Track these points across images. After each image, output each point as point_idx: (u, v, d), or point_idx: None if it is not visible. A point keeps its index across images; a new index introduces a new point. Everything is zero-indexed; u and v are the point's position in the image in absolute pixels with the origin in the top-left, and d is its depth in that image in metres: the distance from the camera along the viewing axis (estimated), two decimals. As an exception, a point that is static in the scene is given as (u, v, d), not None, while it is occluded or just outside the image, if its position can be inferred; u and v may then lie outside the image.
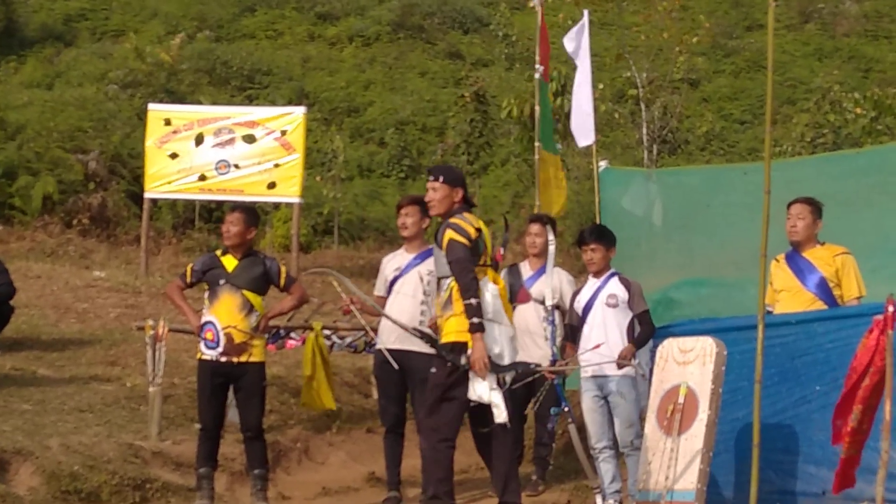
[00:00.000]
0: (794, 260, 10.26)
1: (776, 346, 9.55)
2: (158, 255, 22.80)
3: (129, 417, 12.85)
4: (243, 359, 10.61)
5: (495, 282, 9.62)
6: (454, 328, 9.42)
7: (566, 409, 10.96)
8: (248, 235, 10.82)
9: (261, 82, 42.20)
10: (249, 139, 20.60)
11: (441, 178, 9.76)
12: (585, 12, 14.43)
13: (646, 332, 10.54)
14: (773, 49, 6.80)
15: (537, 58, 15.34)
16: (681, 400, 9.74)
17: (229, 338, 10.51)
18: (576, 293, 10.97)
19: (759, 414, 6.60)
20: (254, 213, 11.24)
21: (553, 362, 10.86)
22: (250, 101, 37.05)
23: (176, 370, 14.34)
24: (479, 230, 9.59)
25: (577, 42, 14.42)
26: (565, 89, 24.07)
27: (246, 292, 10.61)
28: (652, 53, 27.71)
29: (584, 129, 14.27)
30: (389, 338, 11.27)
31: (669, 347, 10.06)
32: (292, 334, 13.75)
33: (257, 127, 20.80)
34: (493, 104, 32.03)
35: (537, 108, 15.23)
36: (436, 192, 9.73)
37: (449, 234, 9.47)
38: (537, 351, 11.67)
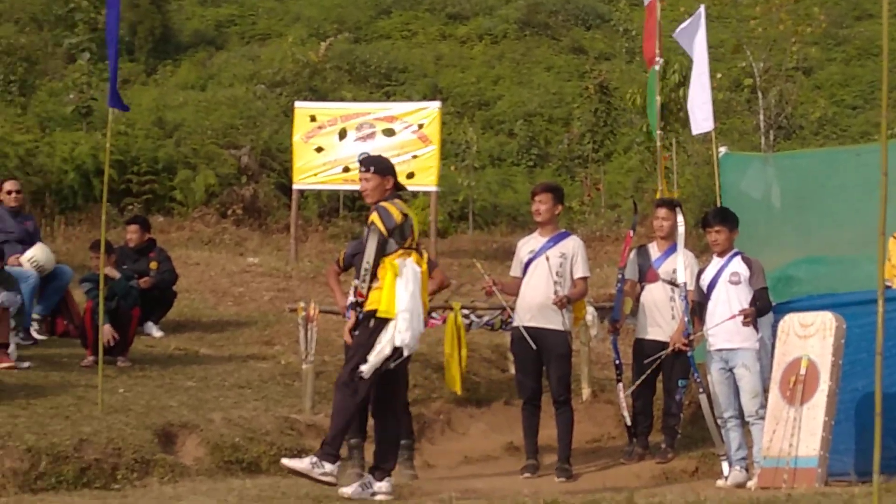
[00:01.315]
0: None
1: (894, 319, 9.40)
2: (306, 242, 22.96)
3: (284, 393, 12.99)
4: None
5: (418, 264, 9.57)
6: (375, 298, 9.39)
7: (697, 380, 10.95)
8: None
9: (397, 79, 42.36)
10: (389, 133, 20.66)
11: (372, 169, 9.74)
12: (702, 6, 14.30)
13: (762, 308, 10.45)
14: (887, 36, 6.68)
15: (657, 50, 15.26)
16: (802, 371, 9.66)
17: None
18: (700, 271, 10.91)
19: (881, 384, 6.49)
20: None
21: (687, 335, 10.88)
22: (388, 97, 37.17)
23: (326, 348, 14.43)
24: (405, 215, 9.62)
25: (691, 35, 14.31)
26: (686, 80, 23.83)
27: None
28: (768, 44, 27.36)
29: (701, 116, 14.16)
30: (525, 316, 11.29)
31: (791, 322, 9.98)
32: (433, 314, 13.80)
33: (396, 121, 20.85)
34: (615, 95, 31.86)
35: (658, 98, 15.15)
36: (368, 181, 9.69)
37: (373, 216, 9.51)
38: (665, 326, 11.65)
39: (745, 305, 10.44)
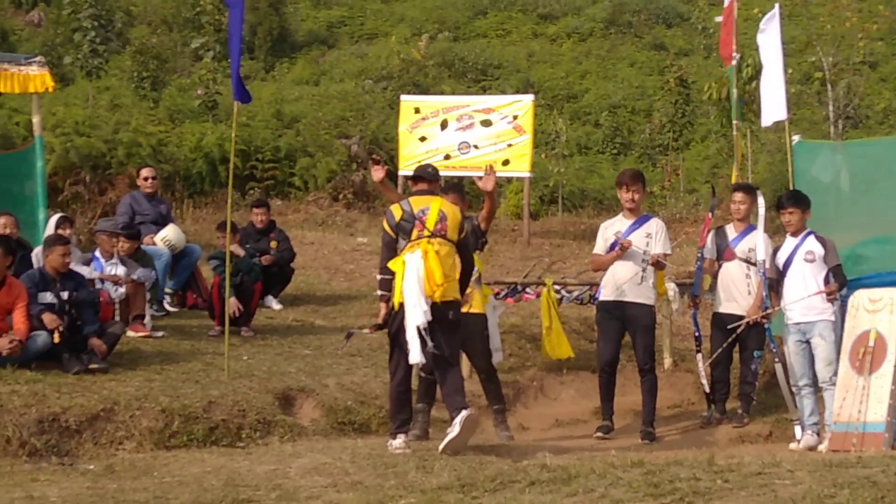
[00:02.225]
0: None
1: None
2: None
3: (392, 361, 13.01)
4: (464, 310, 10.26)
5: (425, 253, 9.67)
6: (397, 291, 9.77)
7: (773, 349, 10.89)
8: None
9: (492, 74, 42.31)
10: (486, 123, 20.65)
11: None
12: (776, 5, 14.13)
13: (840, 283, 10.34)
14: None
15: (734, 46, 15.09)
16: (871, 343, 9.55)
17: None
18: (776, 250, 10.81)
19: None
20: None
21: (764, 309, 10.81)
22: (484, 90, 37.11)
23: (429, 320, 14.41)
24: (405, 210, 9.88)
25: (767, 30, 14.13)
26: (759, 74, 23.55)
27: None
28: (836, 40, 26.98)
29: (774, 107, 13.99)
30: (614, 292, 11.27)
31: (860, 297, 9.87)
32: (527, 289, 13.78)
33: (492, 113, 20.83)
34: (694, 88, 31.59)
35: (734, 90, 14.98)
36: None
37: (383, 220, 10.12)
38: (741, 301, 11.58)
39: (819, 281, 10.34)
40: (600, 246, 11.63)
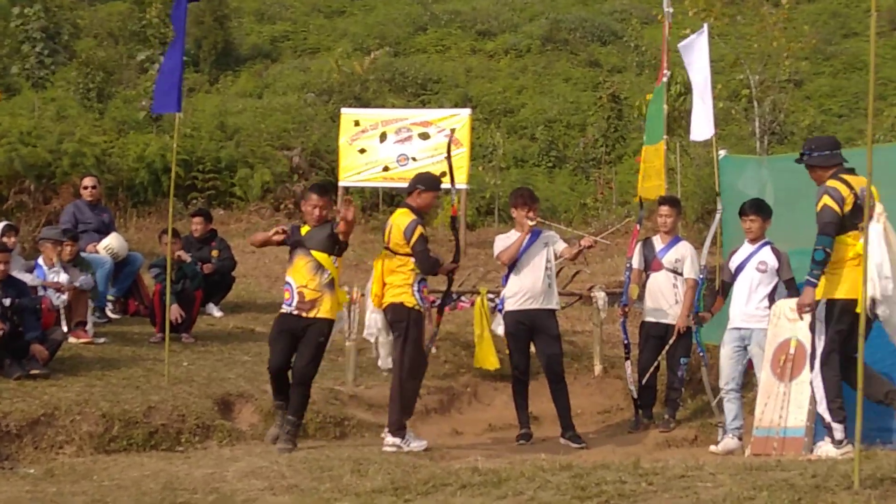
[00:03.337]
0: None
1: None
2: (350, 234, 22.95)
3: (330, 367, 12.98)
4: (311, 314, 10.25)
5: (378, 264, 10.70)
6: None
7: (702, 353, 10.99)
8: None
9: (432, 89, 42.34)
10: (424, 136, 20.67)
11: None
12: (705, 25, 14.22)
13: (792, 296, 10.32)
14: (874, 52, 6.65)
15: (663, 64, 15.18)
16: (792, 351, 9.64)
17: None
18: (732, 253, 10.84)
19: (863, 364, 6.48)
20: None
21: (696, 313, 10.97)
22: (423, 104, 37.12)
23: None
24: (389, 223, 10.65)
25: (695, 50, 14.22)
26: (688, 91, 23.73)
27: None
28: (763, 59, 27.23)
29: (702, 124, 14.08)
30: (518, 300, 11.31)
31: (782, 307, 9.95)
32: (462, 297, 13.81)
33: (430, 126, 20.86)
34: (626, 104, 31.77)
35: (664, 106, 15.07)
36: None
37: None
38: (668, 310, 11.66)
39: (767, 292, 10.38)
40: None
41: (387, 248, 10.52)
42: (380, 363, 11.47)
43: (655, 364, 11.74)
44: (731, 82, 31.41)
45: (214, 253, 15.16)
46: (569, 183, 34.24)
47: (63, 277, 12.57)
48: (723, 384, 10.49)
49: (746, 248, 10.67)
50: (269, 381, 10.44)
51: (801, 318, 9.34)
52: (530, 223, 11.28)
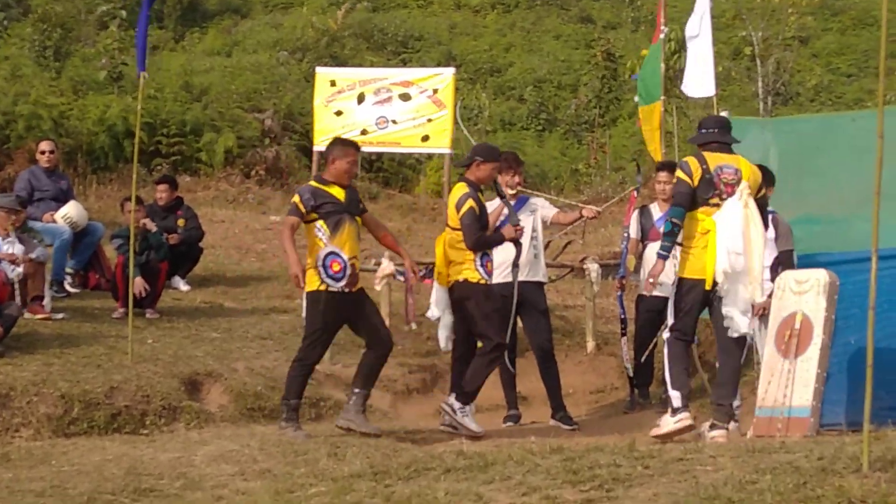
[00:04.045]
0: None
1: (886, 276, 9.33)
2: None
3: (305, 344, 12.99)
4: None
5: None
6: None
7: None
8: None
9: (413, 47, 42.27)
10: (405, 97, 20.55)
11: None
12: (707, -23, 14.21)
13: (786, 269, 10.34)
14: (886, 6, 6.62)
15: (660, 19, 15.17)
16: (797, 326, 9.62)
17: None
18: None
19: (872, 337, 6.48)
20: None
21: None
22: (404, 63, 37.08)
23: (344, 302, 14.43)
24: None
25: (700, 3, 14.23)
26: (683, 48, 23.73)
27: None
28: (766, 14, 27.27)
29: (700, 79, 14.10)
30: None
31: (786, 279, 9.93)
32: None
33: (412, 86, 20.72)
34: (621, 63, 31.75)
35: (661, 65, 15.06)
36: None
37: None
38: (667, 283, 11.59)
39: (768, 265, 10.35)
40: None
41: (447, 225, 10.53)
42: (441, 345, 11.20)
43: (654, 341, 11.74)
44: (732, 39, 31.47)
45: (181, 222, 15.13)
46: (560, 147, 34.26)
47: (18, 248, 12.49)
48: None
49: (747, 219, 10.66)
50: (243, 358, 10.37)
51: (647, 291, 10.34)
52: (511, 191, 11.25)
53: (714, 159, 9.63)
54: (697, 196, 9.55)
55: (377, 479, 7.34)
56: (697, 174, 9.55)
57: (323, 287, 9.78)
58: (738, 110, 27.47)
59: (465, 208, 10.22)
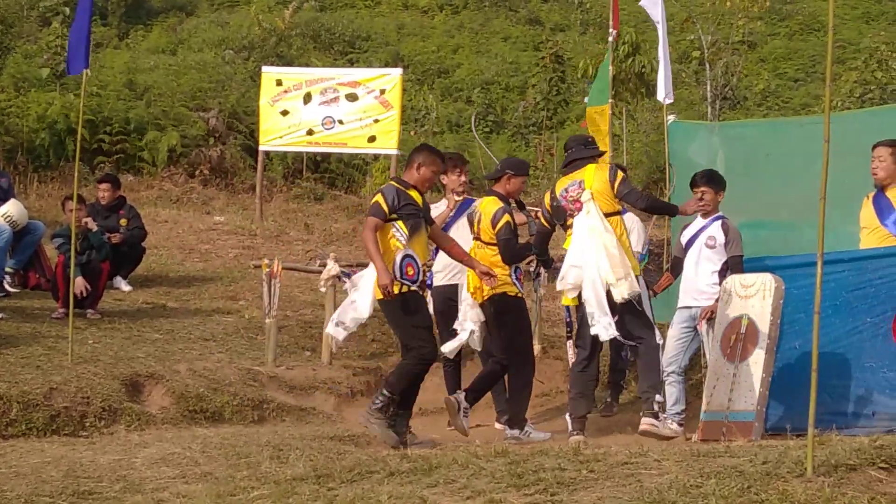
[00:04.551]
0: (878, 199, 10.05)
1: (831, 281, 9.44)
2: (271, 202, 22.89)
3: (248, 346, 12.98)
4: None
5: None
6: None
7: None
8: None
9: (361, 47, 42.14)
10: (352, 97, 20.59)
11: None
12: (659, -21, 14.30)
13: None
14: (833, 13, 6.68)
15: (611, 22, 15.24)
16: (743, 330, 9.70)
17: None
18: (684, 228, 10.88)
19: (818, 343, 6.53)
20: None
21: None
22: (351, 63, 36.98)
23: (289, 304, 14.47)
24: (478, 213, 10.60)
25: (656, 6, 14.32)
26: (636, 51, 23.87)
27: None
28: (715, 18, 27.46)
29: (667, 87, 14.23)
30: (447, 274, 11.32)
31: (733, 283, 10.01)
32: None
33: (359, 86, 20.78)
34: (569, 65, 31.86)
35: (611, 68, 15.11)
36: None
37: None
38: (615, 285, 11.67)
39: (717, 269, 10.40)
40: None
41: (477, 239, 10.48)
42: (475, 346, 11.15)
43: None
44: (681, 43, 31.60)
45: (123, 222, 15.06)
46: (507, 149, 34.23)
47: (-44, 247, 12.41)
48: (665, 366, 10.49)
49: (698, 223, 10.71)
50: (185, 360, 10.32)
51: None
52: (457, 198, 11.28)
53: (562, 183, 9.97)
54: (557, 225, 10.12)
55: (320, 482, 7.32)
56: (549, 207, 10.09)
57: (405, 289, 9.63)
58: (685, 114, 27.66)
59: (501, 223, 10.28)
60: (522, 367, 10.44)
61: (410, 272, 9.58)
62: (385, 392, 9.60)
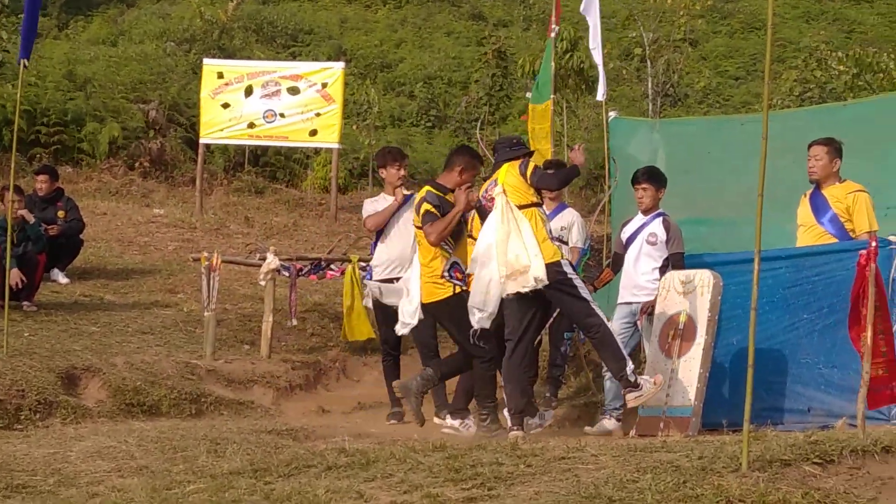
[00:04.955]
0: (814, 197, 10.13)
1: (768, 278, 9.52)
2: (211, 195, 22.78)
3: (186, 339, 12.92)
4: None
5: None
6: None
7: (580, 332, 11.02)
8: None
9: (303, 41, 42.00)
10: (294, 91, 20.55)
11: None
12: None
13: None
14: (772, 12, 6.72)
15: (552, 18, 15.27)
16: (681, 326, 9.74)
17: None
18: (624, 224, 10.90)
19: (754, 339, 6.57)
20: None
21: None
22: (294, 57, 36.84)
23: (228, 297, 14.41)
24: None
25: (592, 7, 14.38)
26: (575, 47, 23.91)
27: None
28: (657, 16, 27.56)
29: (603, 83, 14.30)
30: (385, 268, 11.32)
31: (671, 279, 10.05)
32: (332, 266, 13.77)
33: (301, 80, 20.74)
34: (512, 61, 31.88)
35: (552, 63, 15.14)
36: None
37: None
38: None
39: (657, 266, 10.44)
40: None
41: (469, 237, 10.21)
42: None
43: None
44: (622, 40, 31.72)
45: (60, 214, 14.95)
46: (449, 144, 34.20)
47: None
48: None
49: (638, 219, 10.74)
50: (122, 353, 10.26)
51: None
52: (405, 192, 11.28)
53: (484, 186, 9.93)
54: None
55: (257, 476, 7.30)
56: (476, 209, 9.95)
57: (458, 289, 9.77)
58: (627, 111, 27.75)
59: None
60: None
61: (458, 277, 9.78)
62: (486, 405, 9.88)
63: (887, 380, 7.65)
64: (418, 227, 9.92)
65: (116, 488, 7.49)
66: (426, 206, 9.79)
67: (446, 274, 9.72)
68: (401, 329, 10.29)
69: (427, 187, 10.09)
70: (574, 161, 10.11)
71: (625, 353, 9.52)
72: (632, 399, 9.46)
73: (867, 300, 7.39)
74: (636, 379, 9.37)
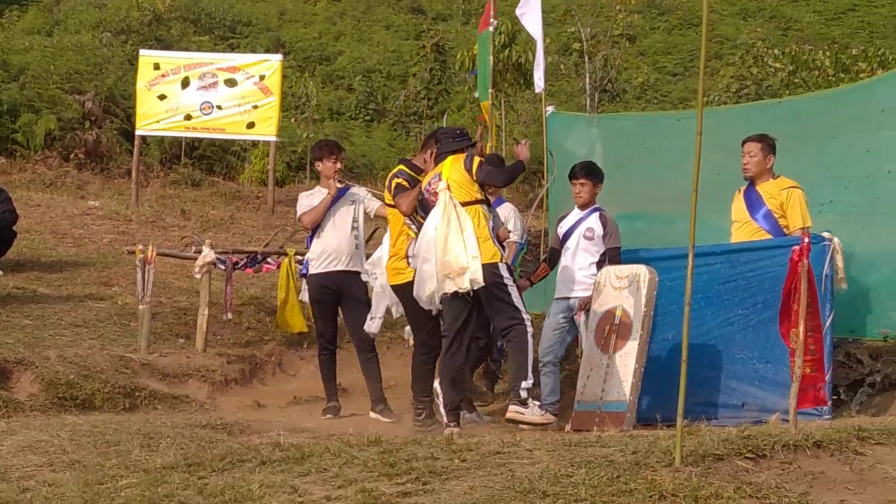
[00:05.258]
0: (749, 193, 10.19)
1: (703, 273, 9.61)
2: (147, 188, 22.66)
3: (121, 332, 12.83)
4: None
5: None
6: None
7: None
8: None
9: (241, 32, 41.87)
10: (231, 83, 20.47)
11: None
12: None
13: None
14: (707, 8, 6.76)
15: (492, 12, 15.26)
16: (616, 321, 9.78)
17: None
18: (560, 219, 10.91)
19: (688, 333, 6.60)
20: None
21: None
22: (232, 49, 36.68)
23: (163, 290, 14.33)
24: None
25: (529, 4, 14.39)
26: (513, 41, 23.95)
27: None
28: (595, 11, 27.69)
29: (539, 76, 14.31)
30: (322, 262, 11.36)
31: (607, 274, 10.09)
32: (269, 259, 13.71)
33: (238, 72, 20.67)
34: (451, 55, 31.92)
35: (490, 58, 15.15)
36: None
37: None
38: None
39: (594, 261, 10.47)
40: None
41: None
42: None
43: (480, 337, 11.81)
44: (561, 35, 31.81)
45: (-7, 205, 14.81)
46: (388, 138, 34.27)
47: None
48: (541, 356, 10.55)
49: (575, 214, 10.75)
50: (56, 346, 10.18)
51: None
52: (338, 184, 11.25)
53: (427, 177, 9.85)
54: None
55: (190, 470, 7.26)
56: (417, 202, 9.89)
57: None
58: (565, 106, 27.85)
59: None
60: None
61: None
62: (421, 399, 10.18)
63: (813, 379, 7.70)
64: (390, 206, 10.00)
65: (48, 483, 7.42)
66: (397, 180, 9.93)
67: (410, 258, 9.76)
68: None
69: (400, 165, 10.25)
70: (519, 156, 10.10)
71: (529, 369, 9.43)
72: (512, 412, 9.44)
73: (799, 296, 7.43)
74: (528, 398, 9.39)
